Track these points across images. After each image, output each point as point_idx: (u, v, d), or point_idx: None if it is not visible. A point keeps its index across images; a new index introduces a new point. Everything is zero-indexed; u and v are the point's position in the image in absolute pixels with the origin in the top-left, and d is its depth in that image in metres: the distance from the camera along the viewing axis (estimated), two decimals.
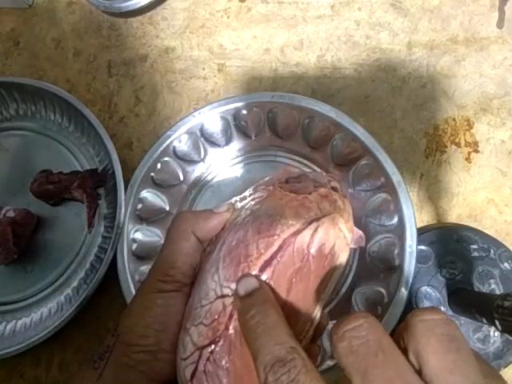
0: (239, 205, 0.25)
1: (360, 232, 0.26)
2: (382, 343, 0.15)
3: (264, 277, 0.20)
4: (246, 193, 0.26)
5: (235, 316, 0.20)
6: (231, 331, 0.20)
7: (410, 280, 0.34)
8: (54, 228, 0.44)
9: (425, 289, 0.38)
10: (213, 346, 0.20)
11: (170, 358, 0.22)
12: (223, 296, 0.21)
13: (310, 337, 0.23)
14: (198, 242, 0.24)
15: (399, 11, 0.46)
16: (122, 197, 0.39)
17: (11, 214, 0.41)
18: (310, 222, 0.22)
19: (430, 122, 0.43)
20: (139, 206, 0.40)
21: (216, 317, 0.20)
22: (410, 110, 0.44)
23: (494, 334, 0.37)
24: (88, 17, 0.50)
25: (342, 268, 0.24)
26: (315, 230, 0.22)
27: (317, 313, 0.23)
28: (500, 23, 0.45)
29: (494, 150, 0.43)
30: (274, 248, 0.21)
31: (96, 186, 0.43)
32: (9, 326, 0.41)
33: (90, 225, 0.43)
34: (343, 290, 0.38)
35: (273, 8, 0.47)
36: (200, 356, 0.20)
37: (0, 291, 0.43)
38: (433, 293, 0.38)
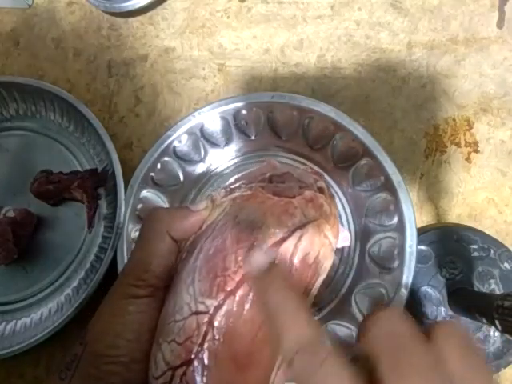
0: (219, 200, 0.23)
1: (345, 231, 0.25)
2: (413, 332, 0.16)
3: (241, 292, 0.19)
4: (227, 186, 0.24)
5: (209, 336, 0.19)
6: (205, 352, 0.19)
7: (410, 280, 0.34)
8: (54, 228, 0.44)
9: (425, 289, 0.38)
10: (185, 367, 0.19)
11: (143, 368, 0.20)
12: (198, 313, 0.19)
13: (283, 368, 0.22)
14: (174, 243, 0.23)
15: (399, 11, 0.46)
16: (122, 197, 0.39)
17: (11, 214, 0.41)
18: (294, 231, 0.20)
19: (430, 122, 0.43)
20: (139, 206, 0.40)
21: (189, 335, 0.19)
22: (410, 110, 0.44)
23: (494, 334, 0.37)
24: (88, 17, 0.50)
25: (325, 275, 0.22)
26: (299, 240, 0.20)
27: None
28: (500, 23, 0.45)
29: (494, 149, 0.43)
30: None
31: (96, 186, 0.43)
32: (9, 326, 0.41)
33: (90, 225, 0.43)
34: (343, 290, 0.38)
35: (273, 8, 0.47)
36: (172, 376, 0.19)
37: (0, 291, 0.43)
38: (433, 293, 0.38)
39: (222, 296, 0.19)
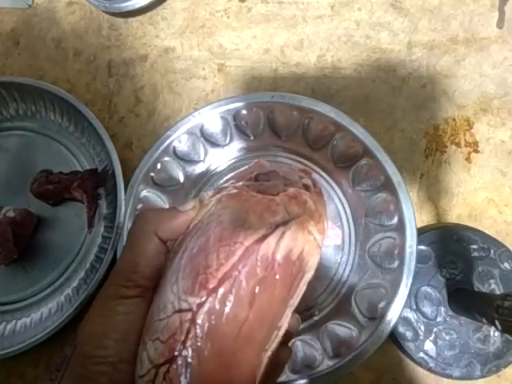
0: (207, 200, 0.23)
1: (336, 229, 0.25)
2: None
3: (222, 290, 0.19)
4: (217, 187, 0.24)
5: (192, 333, 0.19)
6: (188, 350, 0.19)
7: (410, 280, 0.34)
8: (54, 228, 0.44)
9: (425, 289, 0.38)
10: (169, 365, 0.19)
11: (131, 369, 0.21)
12: (181, 310, 0.19)
13: (278, 342, 0.22)
14: (162, 243, 0.23)
15: (399, 11, 0.46)
16: (122, 197, 0.39)
17: (11, 214, 0.41)
18: (276, 227, 0.20)
19: (430, 122, 0.43)
20: (139, 206, 0.40)
21: (172, 333, 0.19)
22: (410, 110, 0.44)
23: (494, 334, 0.37)
24: (88, 17, 0.50)
25: (312, 271, 0.22)
26: (281, 236, 0.20)
27: (284, 319, 0.22)
28: (500, 23, 0.45)
29: (494, 149, 0.43)
30: (236, 257, 0.19)
31: (96, 186, 0.43)
32: (9, 326, 0.41)
33: (90, 225, 0.43)
34: (343, 290, 0.38)
35: (273, 8, 0.47)
36: (156, 375, 0.19)
37: (0, 291, 0.43)
38: (433, 293, 0.38)
39: (204, 293, 0.19)
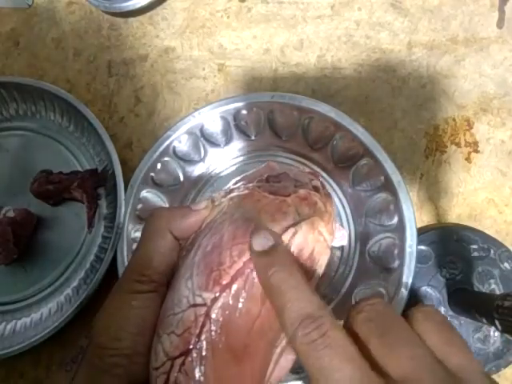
0: (219, 200, 0.24)
1: (343, 230, 0.26)
2: (395, 315, 0.19)
3: (236, 286, 0.20)
4: (227, 188, 0.25)
5: (206, 327, 0.19)
6: (203, 343, 0.19)
7: (410, 280, 0.34)
8: (54, 228, 0.44)
9: (425, 289, 0.38)
10: (184, 358, 0.19)
11: (146, 362, 0.21)
12: (195, 305, 0.20)
13: (287, 340, 0.22)
14: (175, 241, 0.24)
15: (399, 11, 0.46)
16: (122, 197, 0.39)
17: (11, 214, 0.41)
18: (287, 228, 0.21)
19: (430, 122, 0.43)
20: (139, 206, 0.40)
21: (187, 327, 0.20)
22: (410, 110, 0.44)
23: (494, 334, 0.37)
24: (88, 17, 0.50)
25: (322, 271, 0.23)
26: (292, 236, 0.21)
27: None
28: (500, 23, 0.45)
29: (493, 149, 0.43)
30: (248, 255, 0.20)
31: (96, 186, 0.43)
32: (9, 326, 0.41)
33: (90, 225, 0.43)
34: (343, 290, 0.38)
35: (273, 8, 0.47)
36: (171, 366, 0.19)
37: (0, 291, 0.43)
38: (433, 293, 0.38)
39: (217, 289, 0.20)
